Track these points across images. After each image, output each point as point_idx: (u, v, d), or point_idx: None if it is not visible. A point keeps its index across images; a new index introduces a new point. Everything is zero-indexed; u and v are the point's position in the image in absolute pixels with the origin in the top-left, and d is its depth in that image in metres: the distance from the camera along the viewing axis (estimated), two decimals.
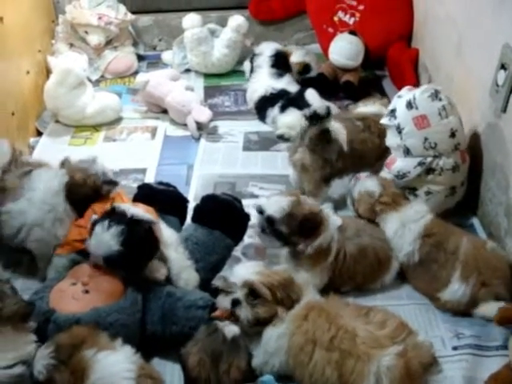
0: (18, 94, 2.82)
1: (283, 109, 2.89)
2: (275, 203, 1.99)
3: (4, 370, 1.48)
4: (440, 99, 2.18)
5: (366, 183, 2.22)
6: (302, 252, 2.01)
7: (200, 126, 2.95)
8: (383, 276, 2.10)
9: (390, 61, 3.35)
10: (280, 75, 3.06)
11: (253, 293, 1.74)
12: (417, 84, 3.08)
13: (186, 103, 2.97)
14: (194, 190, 2.56)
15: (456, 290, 1.96)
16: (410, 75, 3.16)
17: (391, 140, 2.28)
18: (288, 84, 3.04)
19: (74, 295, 1.77)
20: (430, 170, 2.20)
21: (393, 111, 2.24)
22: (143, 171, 2.69)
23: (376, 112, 2.49)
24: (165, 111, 3.09)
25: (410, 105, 2.18)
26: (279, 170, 2.70)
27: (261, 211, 2.00)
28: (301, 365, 1.72)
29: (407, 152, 2.22)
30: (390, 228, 2.11)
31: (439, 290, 2.00)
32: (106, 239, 1.76)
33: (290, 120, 2.81)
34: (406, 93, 2.25)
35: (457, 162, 2.23)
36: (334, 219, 2.06)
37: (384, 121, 2.28)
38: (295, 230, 1.97)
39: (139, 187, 2.21)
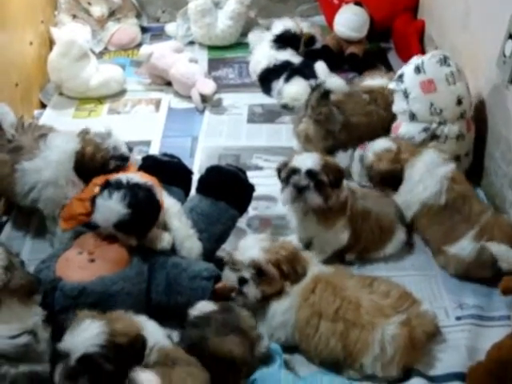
0: (22, 65, 2.82)
1: (288, 78, 2.89)
2: (307, 159, 1.98)
3: (10, 340, 1.50)
4: (448, 65, 2.21)
5: (378, 143, 2.23)
6: (328, 208, 1.99)
7: (204, 99, 2.95)
8: (385, 245, 2.11)
9: (396, 33, 3.34)
10: (280, 47, 3.05)
11: (260, 272, 1.75)
12: None
13: (190, 75, 2.96)
14: (198, 162, 2.57)
15: (465, 246, 1.98)
16: (416, 47, 3.14)
17: (398, 105, 2.32)
18: (291, 56, 3.03)
19: (80, 264, 1.78)
20: (434, 137, 2.23)
21: (401, 76, 2.28)
22: (148, 143, 2.70)
23: (383, 85, 2.49)
24: (169, 83, 3.09)
25: (417, 69, 2.23)
26: (283, 142, 2.70)
27: (294, 170, 1.96)
28: (307, 337, 1.75)
29: (412, 117, 2.26)
30: (418, 169, 2.10)
31: (449, 242, 2.01)
32: (111, 207, 1.77)
33: (296, 90, 2.83)
34: (415, 60, 2.28)
35: (461, 130, 2.24)
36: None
37: (391, 85, 2.32)
38: (332, 181, 1.96)
39: (144, 159, 2.22)
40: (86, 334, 1.39)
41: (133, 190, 1.80)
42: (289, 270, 1.77)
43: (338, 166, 2.03)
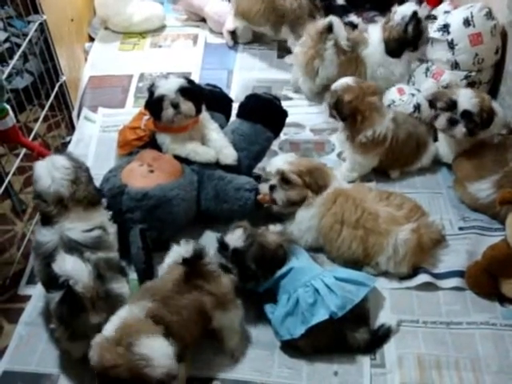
0: (74, 1, 3.01)
1: None
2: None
3: (84, 233, 1.77)
4: (493, 18, 2.37)
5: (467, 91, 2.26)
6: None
7: (234, 37, 3.15)
8: (422, 157, 2.36)
9: None
10: None
11: (285, 179, 2.03)
12: None
13: (222, 14, 3.16)
14: (234, 93, 2.79)
15: (483, 189, 2.16)
16: None
17: (439, 54, 2.46)
18: None
19: (142, 174, 2.06)
20: (471, 83, 2.42)
21: (445, 26, 2.40)
22: (188, 75, 2.87)
23: None
24: (203, 20, 3.29)
25: (467, 22, 2.35)
26: None
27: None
28: (330, 241, 2.03)
29: (455, 66, 2.42)
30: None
31: (472, 179, 2.19)
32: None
33: None
34: (457, 10, 2.40)
35: (491, 75, 2.46)
36: (389, 111, 2.30)
37: (435, 35, 2.45)
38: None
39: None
40: None
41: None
42: (310, 180, 2.03)
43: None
